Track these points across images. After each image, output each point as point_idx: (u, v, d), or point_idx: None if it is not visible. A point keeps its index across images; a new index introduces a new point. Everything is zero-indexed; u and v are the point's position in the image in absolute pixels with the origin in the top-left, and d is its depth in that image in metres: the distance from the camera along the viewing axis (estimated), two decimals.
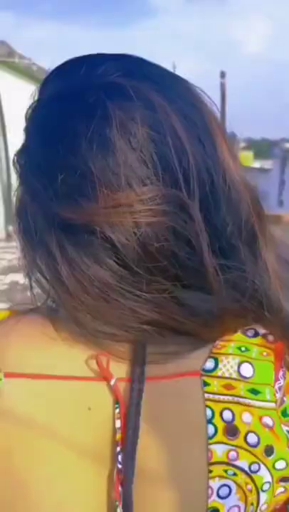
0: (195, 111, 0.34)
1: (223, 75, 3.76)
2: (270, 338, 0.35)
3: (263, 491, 0.33)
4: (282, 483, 0.34)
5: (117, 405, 0.32)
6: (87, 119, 0.31)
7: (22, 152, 0.37)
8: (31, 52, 7.69)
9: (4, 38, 6.43)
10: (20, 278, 5.14)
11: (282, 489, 0.35)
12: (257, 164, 18.14)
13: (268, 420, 0.33)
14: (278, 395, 0.34)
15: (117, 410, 0.32)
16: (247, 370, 0.33)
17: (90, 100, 0.32)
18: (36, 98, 0.38)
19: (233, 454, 0.32)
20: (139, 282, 0.31)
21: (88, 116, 0.31)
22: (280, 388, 0.34)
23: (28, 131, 0.37)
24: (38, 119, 0.36)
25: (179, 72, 0.38)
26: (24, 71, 7.21)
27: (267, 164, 17.54)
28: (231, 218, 0.33)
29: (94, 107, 0.32)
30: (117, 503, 0.30)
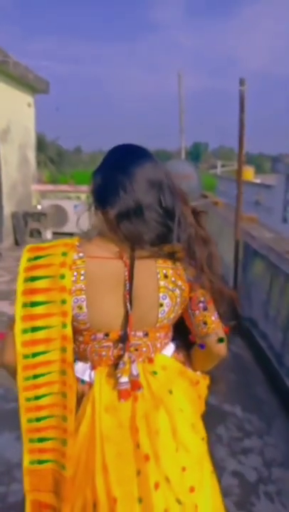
0: (163, 177, 1.00)
1: (242, 82, 3.30)
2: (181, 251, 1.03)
3: (180, 295, 1.03)
4: (187, 281, 1.04)
5: (125, 268, 1.00)
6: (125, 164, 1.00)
7: (97, 171, 1.03)
8: (34, 64, 7.23)
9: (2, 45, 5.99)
10: (6, 307, 4.53)
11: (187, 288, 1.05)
12: (257, 180, 17.83)
13: (179, 271, 1.02)
14: (184, 264, 1.03)
15: (125, 269, 0.99)
16: (170, 256, 1.01)
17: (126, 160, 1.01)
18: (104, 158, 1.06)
19: (166, 283, 1.01)
20: (136, 226, 0.98)
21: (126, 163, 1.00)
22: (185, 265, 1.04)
23: (101, 165, 1.04)
24: (105, 164, 1.03)
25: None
26: (19, 79, 6.79)
27: (268, 180, 17.22)
28: (177, 210, 1.00)
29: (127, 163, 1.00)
30: (127, 302, 0.99)
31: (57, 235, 7.56)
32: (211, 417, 2.49)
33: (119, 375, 1.01)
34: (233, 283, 3.67)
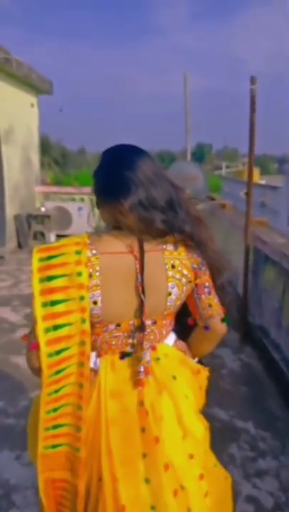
0: (160, 169, 1.10)
1: (253, 80, 3.17)
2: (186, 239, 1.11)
3: (186, 283, 1.10)
4: (192, 270, 1.12)
5: (136, 261, 1.04)
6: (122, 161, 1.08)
7: (97, 170, 1.11)
8: (37, 61, 7.11)
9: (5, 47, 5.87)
10: (7, 314, 4.40)
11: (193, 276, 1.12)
12: (262, 181, 17.61)
13: (184, 261, 1.10)
14: (188, 254, 1.11)
15: (136, 262, 1.04)
16: (175, 247, 1.10)
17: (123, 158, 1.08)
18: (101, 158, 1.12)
19: (174, 273, 1.07)
20: (143, 219, 1.04)
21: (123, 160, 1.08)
22: (188, 252, 1.12)
23: (99, 165, 1.11)
24: (105, 164, 1.10)
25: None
26: (22, 79, 6.68)
27: (273, 181, 17.02)
28: (179, 203, 1.09)
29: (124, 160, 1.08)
30: (140, 293, 1.04)
31: (61, 237, 7.44)
32: (223, 434, 2.37)
33: (141, 364, 1.08)
34: (243, 290, 3.53)
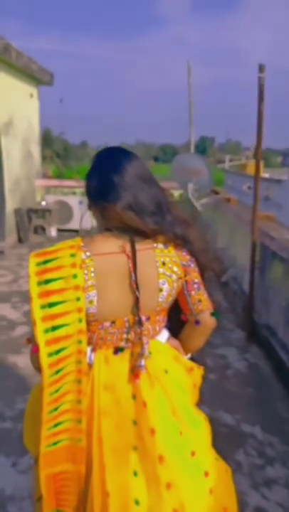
0: (149, 172, 1.14)
1: (261, 69, 3.03)
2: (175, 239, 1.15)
3: (177, 280, 1.14)
4: (182, 267, 1.16)
5: (128, 260, 1.08)
6: (114, 166, 1.11)
7: (90, 175, 1.14)
8: (37, 59, 6.94)
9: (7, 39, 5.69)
10: (6, 311, 4.29)
11: (183, 273, 1.16)
12: (266, 174, 17.36)
13: (174, 258, 1.13)
14: (178, 252, 1.15)
15: (129, 261, 1.08)
16: (165, 246, 1.14)
17: (114, 161, 1.12)
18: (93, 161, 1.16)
19: (164, 270, 1.11)
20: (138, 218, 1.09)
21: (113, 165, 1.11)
22: (177, 251, 1.16)
23: (93, 168, 1.14)
24: (97, 168, 1.13)
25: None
26: (22, 69, 6.51)
27: (276, 174, 16.76)
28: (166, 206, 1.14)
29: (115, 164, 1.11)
30: (135, 291, 1.09)
31: (61, 231, 7.32)
32: (229, 439, 2.25)
33: (141, 358, 1.11)
34: (249, 287, 3.40)
